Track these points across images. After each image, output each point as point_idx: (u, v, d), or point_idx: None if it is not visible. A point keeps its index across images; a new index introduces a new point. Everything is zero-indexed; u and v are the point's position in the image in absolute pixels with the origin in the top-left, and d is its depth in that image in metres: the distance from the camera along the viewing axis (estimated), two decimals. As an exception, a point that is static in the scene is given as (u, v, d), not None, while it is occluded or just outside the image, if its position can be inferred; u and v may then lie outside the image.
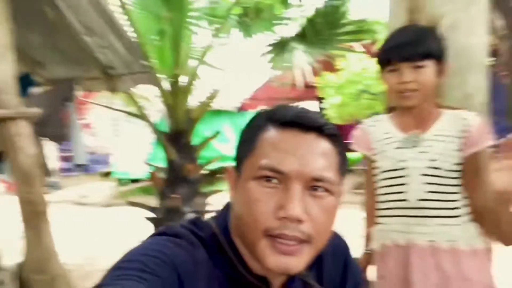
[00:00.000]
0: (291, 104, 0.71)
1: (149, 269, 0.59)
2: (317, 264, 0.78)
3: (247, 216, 0.65)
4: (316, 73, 4.04)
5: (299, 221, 0.61)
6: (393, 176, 1.24)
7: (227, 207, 0.74)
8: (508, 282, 1.39)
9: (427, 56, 1.17)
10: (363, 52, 3.79)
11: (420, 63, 1.17)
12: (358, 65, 4.31)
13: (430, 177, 1.19)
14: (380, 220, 1.29)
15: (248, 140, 0.69)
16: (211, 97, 2.99)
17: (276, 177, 0.63)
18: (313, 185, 0.64)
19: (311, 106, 10.35)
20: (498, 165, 1.02)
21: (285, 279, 0.72)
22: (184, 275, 0.62)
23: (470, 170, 1.18)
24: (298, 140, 0.65)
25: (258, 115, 0.71)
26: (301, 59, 3.10)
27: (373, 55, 4.52)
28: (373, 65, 4.26)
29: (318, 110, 9.64)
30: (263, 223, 0.63)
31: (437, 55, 1.19)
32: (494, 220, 1.11)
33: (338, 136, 0.68)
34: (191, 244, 0.66)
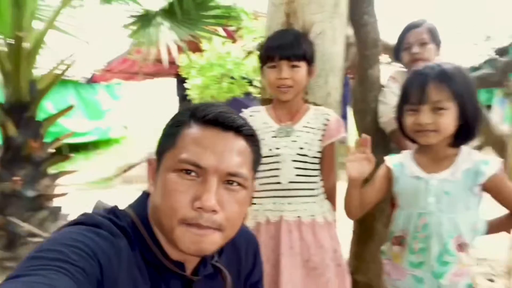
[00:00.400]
0: (213, 103, 0.77)
1: (69, 259, 0.58)
2: (232, 253, 0.86)
3: (165, 205, 0.69)
4: (180, 51, 3.97)
5: (213, 211, 0.67)
6: (268, 161, 1.38)
7: (144, 196, 0.78)
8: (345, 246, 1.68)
9: (302, 57, 1.34)
10: (227, 37, 3.89)
11: (296, 63, 1.33)
12: (222, 49, 4.40)
13: (298, 162, 1.37)
14: (256, 201, 1.42)
15: (171, 134, 0.73)
16: (63, 66, 2.65)
17: (195, 170, 0.69)
18: (228, 179, 0.70)
19: (169, 83, 10.15)
20: (352, 157, 1.23)
21: (198, 263, 0.78)
22: (106, 265, 0.62)
23: (327, 157, 1.42)
24: (217, 138, 0.71)
25: (182, 113, 0.76)
26: (166, 36, 3.00)
27: (235, 41, 4.69)
28: (235, 50, 4.41)
29: (176, 88, 9.52)
30: (180, 212, 0.67)
31: (310, 58, 1.37)
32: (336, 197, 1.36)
33: (255, 136, 0.76)
34: (112, 234, 0.67)
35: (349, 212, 1.35)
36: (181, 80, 9.03)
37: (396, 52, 1.79)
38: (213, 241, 0.69)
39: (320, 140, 1.40)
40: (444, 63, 1.19)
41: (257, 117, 1.45)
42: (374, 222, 1.81)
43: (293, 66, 1.34)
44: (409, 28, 1.72)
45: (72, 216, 2.76)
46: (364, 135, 1.25)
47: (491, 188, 1.19)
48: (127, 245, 0.68)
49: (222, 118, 0.71)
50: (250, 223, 1.42)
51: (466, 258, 1.23)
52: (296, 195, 1.38)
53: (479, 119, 1.19)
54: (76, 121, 8.19)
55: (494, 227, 1.26)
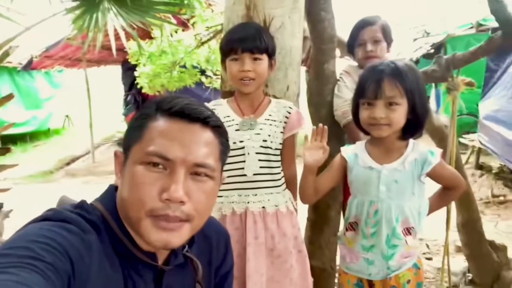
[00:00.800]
0: (180, 96, 0.78)
1: (38, 256, 0.57)
2: (203, 244, 0.88)
3: (133, 197, 0.69)
4: (128, 38, 3.82)
5: (181, 202, 0.68)
6: (233, 154, 1.39)
7: (112, 189, 0.78)
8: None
9: (265, 50, 1.36)
10: (178, 24, 3.81)
11: (258, 56, 1.36)
12: (173, 38, 4.29)
13: (262, 155, 1.40)
14: (221, 193, 1.43)
15: (138, 127, 0.74)
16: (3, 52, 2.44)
17: (162, 163, 0.70)
18: (196, 170, 0.72)
19: (115, 71, 9.70)
20: (309, 145, 1.31)
21: (169, 253, 0.79)
22: (77, 261, 0.62)
23: (287, 148, 1.47)
24: (184, 130, 0.72)
25: (148, 105, 0.76)
26: (114, 22, 2.87)
27: (187, 29, 4.60)
28: (187, 39, 4.33)
29: (122, 76, 9.13)
30: (148, 204, 0.68)
31: (271, 51, 1.39)
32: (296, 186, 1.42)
33: (222, 127, 0.78)
34: (82, 229, 0.67)
35: (303, 197, 1.42)
36: (127, 68, 8.70)
37: (350, 48, 1.86)
38: (181, 235, 0.71)
39: (282, 132, 1.44)
40: (397, 60, 1.27)
41: (220, 110, 1.45)
42: (328, 210, 1.90)
43: (255, 59, 1.36)
44: (363, 25, 1.78)
45: (16, 212, 2.59)
46: (320, 125, 1.31)
47: (435, 174, 1.31)
48: (97, 239, 0.68)
49: (188, 110, 0.72)
50: (215, 215, 1.43)
51: (412, 241, 1.35)
52: (260, 186, 1.41)
53: (427, 114, 1.29)
54: (11, 111, 7.59)
55: (433, 204, 1.39)
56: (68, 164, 7.33)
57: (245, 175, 1.40)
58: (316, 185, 1.37)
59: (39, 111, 9.01)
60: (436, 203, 1.41)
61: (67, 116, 10.88)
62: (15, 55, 6.56)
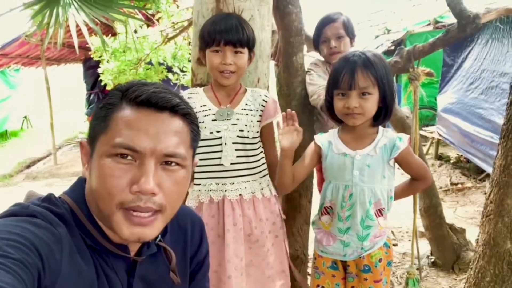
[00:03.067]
0: (146, 82, 0.73)
1: (5, 253, 0.55)
2: (177, 234, 0.87)
3: (102, 190, 0.67)
4: (91, 34, 3.71)
5: (153, 193, 0.67)
6: (210, 144, 1.40)
7: (81, 181, 0.75)
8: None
9: (246, 44, 1.37)
10: (144, 20, 3.74)
11: (240, 49, 1.37)
12: (138, 33, 4.21)
13: (239, 144, 1.42)
14: (198, 181, 1.45)
15: (103, 117, 0.70)
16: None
17: (131, 154, 0.67)
18: (166, 160, 0.70)
19: (76, 69, 9.36)
20: (282, 130, 1.35)
21: (141, 244, 0.78)
22: (47, 255, 0.60)
23: (267, 136, 1.50)
24: (151, 119, 0.69)
25: (113, 94, 0.72)
26: (77, 18, 2.79)
27: (152, 25, 4.52)
28: (153, 35, 4.26)
29: (84, 73, 8.83)
30: (118, 197, 0.66)
31: (252, 44, 1.41)
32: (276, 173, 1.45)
33: (191, 114, 0.75)
34: (50, 223, 0.65)
35: (281, 186, 1.46)
36: (89, 66, 8.43)
37: (315, 44, 1.92)
38: (153, 228, 0.69)
39: (258, 121, 1.46)
40: (367, 51, 1.33)
41: (196, 99, 1.46)
42: (300, 199, 1.95)
43: (237, 52, 1.37)
44: (326, 22, 1.84)
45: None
46: (288, 110, 1.36)
47: (402, 159, 1.38)
48: (67, 232, 0.66)
49: (155, 99, 0.69)
50: (192, 203, 1.45)
51: (383, 222, 1.42)
52: (238, 175, 1.43)
53: (394, 101, 1.37)
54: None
55: (399, 192, 1.47)
56: (28, 167, 7.00)
57: (222, 164, 1.41)
58: (294, 174, 1.41)
59: (-6, 112, 8.55)
60: (402, 191, 1.48)
61: (25, 117, 10.38)
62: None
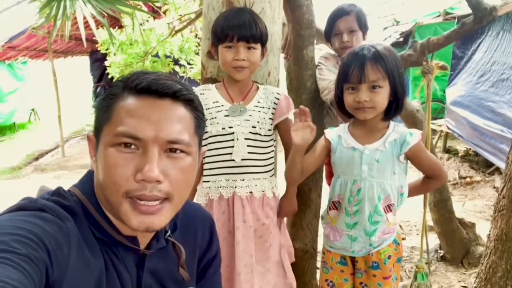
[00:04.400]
0: (147, 72, 0.73)
1: (12, 248, 0.54)
2: (187, 231, 0.87)
3: (107, 180, 0.67)
4: (98, 27, 3.70)
5: (158, 181, 0.66)
6: (222, 140, 1.40)
7: (90, 174, 0.75)
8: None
9: (259, 39, 1.36)
10: (151, 12, 3.72)
11: (253, 45, 1.35)
12: (145, 26, 4.19)
13: (251, 141, 1.41)
14: (208, 178, 1.44)
15: (105, 108, 0.71)
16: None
17: (134, 143, 0.67)
18: (170, 147, 0.69)
19: (83, 62, 9.38)
20: (295, 126, 1.33)
21: (151, 237, 0.78)
22: (54, 250, 0.60)
23: (285, 132, 1.48)
24: (153, 106, 0.69)
25: (115, 84, 0.72)
26: (84, 10, 2.78)
27: (158, 17, 4.50)
28: (160, 27, 4.24)
29: (90, 65, 8.85)
30: (123, 186, 0.66)
31: (264, 40, 1.39)
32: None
33: (195, 100, 0.74)
34: (59, 217, 0.64)
35: (290, 178, 1.45)
36: (96, 59, 8.44)
37: (327, 36, 1.89)
38: (162, 216, 0.69)
39: (270, 118, 1.46)
40: (377, 44, 1.31)
41: (208, 95, 1.45)
42: (310, 193, 1.94)
43: (250, 48, 1.36)
44: (339, 15, 1.81)
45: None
46: (301, 106, 1.34)
47: (413, 155, 1.36)
48: (75, 226, 0.66)
49: (155, 86, 0.68)
50: (202, 200, 1.44)
51: (392, 218, 1.41)
52: (248, 171, 1.42)
53: (405, 95, 1.35)
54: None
55: (412, 190, 1.45)
56: (36, 159, 7.06)
57: (233, 160, 1.40)
58: (303, 167, 1.40)
59: (2, 105, 8.59)
60: (414, 189, 1.46)
61: (33, 109, 10.45)
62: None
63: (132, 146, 0.67)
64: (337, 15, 1.82)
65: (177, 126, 0.69)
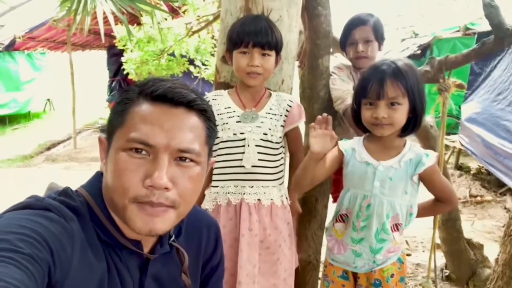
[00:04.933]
0: (164, 78, 0.74)
1: (16, 247, 0.54)
2: (191, 237, 0.86)
3: (116, 184, 0.68)
4: (116, 23, 3.74)
5: (166, 189, 0.67)
6: (232, 145, 1.39)
7: (98, 175, 0.76)
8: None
9: (274, 47, 1.36)
10: (170, 12, 3.75)
11: (268, 52, 1.36)
12: (163, 25, 4.22)
13: (262, 147, 1.41)
14: (217, 183, 1.44)
15: (120, 112, 0.71)
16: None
17: (145, 149, 0.68)
18: (180, 156, 0.70)
19: (100, 56, 9.49)
20: (313, 133, 1.32)
21: (155, 242, 0.78)
22: (58, 250, 0.60)
23: (293, 140, 1.50)
24: (167, 114, 0.69)
25: (131, 89, 0.73)
26: (104, 6, 2.81)
27: (176, 16, 4.53)
28: (177, 27, 4.27)
29: (107, 60, 8.94)
30: (131, 191, 0.67)
31: (279, 48, 1.39)
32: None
33: (208, 110, 0.75)
34: (64, 217, 0.65)
35: (299, 186, 1.44)
36: (113, 54, 8.53)
37: (342, 46, 1.86)
38: (165, 220, 0.69)
39: (282, 126, 1.45)
40: (398, 60, 1.29)
41: (220, 101, 1.45)
42: (316, 203, 1.92)
43: (264, 55, 1.36)
44: (356, 25, 1.77)
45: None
46: (324, 114, 1.33)
47: (426, 177, 1.33)
48: (80, 227, 0.66)
49: (171, 94, 0.69)
50: (209, 205, 1.44)
51: (399, 237, 1.38)
52: (257, 178, 1.41)
53: (425, 112, 1.31)
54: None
55: (421, 211, 1.42)
56: (48, 149, 7.16)
57: (243, 166, 1.39)
58: (313, 175, 1.38)
59: (19, 93, 8.74)
60: (423, 210, 1.42)
61: (48, 100, 10.61)
62: (-3, 35, 6.35)
63: (143, 152, 0.68)
64: (353, 24, 1.79)
65: (189, 135, 0.70)
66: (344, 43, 1.85)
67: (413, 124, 1.31)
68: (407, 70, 1.25)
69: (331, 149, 1.33)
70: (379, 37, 1.79)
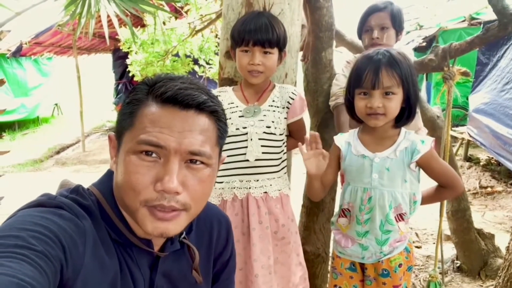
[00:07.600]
0: (173, 77, 0.72)
1: (29, 244, 0.55)
2: (202, 233, 0.87)
3: (127, 187, 0.67)
4: (120, 25, 3.77)
5: (176, 192, 0.66)
6: (236, 140, 1.40)
7: (109, 174, 0.75)
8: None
9: (276, 44, 1.36)
10: (173, 12, 3.77)
11: (269, 50, 1.36)
12: (166, 26, 4.24)
13: (265, 141, 1.41)
14: (222, 179, 1.44)
15: (129, 113, 0.70)
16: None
17: (155, 151, 0.67)
18: (191, 158, 0.69)
19: (105, 59, 9.56)
20: (307, 155, 1.30)
21: (165, 240, 0.78)
22: (70, 248, 0.60)
23: (295, 131, 1.50)
24: (177, 117, 0.68)
25: (139, 88, 0.71)
26: (108, 9, 2.83)
27: (179, 17, 4.55)
28: (180, 27, 4.28)
29: (113, 63, 9.01)
30: (142, 195, 0.66)
31: (282, 44, 1.39)
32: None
33: (219, 111, 0.73)
34: (76, 215, 0.65)
35: (313, 197, 1.44)
36: (118, 56, 8.60)
37: (358, 33, 1.80)
38: (177, 224, 0.69)
39: (285, 118, 1.45)
40: (391, 50, 1.27)
41: (224, 97, 1.46)
42: (324, 197, 1.92)
43: (266, 53, 1.36)
44: (372, 11, 1.71)
45: (7, 199, 2.57)
46: (311, 132, 1.32)
47: (424, 164, 1.32)
48: (92, 225, 0.67)
49: (181, 96, 0.67)
50: (215, 201, 1.44)
51: (404, 227, 1.37)
52: (262, 172, 1.42)
53: (418, 102, 1.30)
54: (-1, 98, 7.45)
55: (426, 198, 1.41)
56: (58, 152, 7.24)
57: (247, 160, 1.40)
58: (323, 181, 1.39)
59: (27, 99, 8.84)
60: (428, 197, 1.41)
61: (56, 104, 10.72)
62: (4, 42, 6.42)
63: (154, 155, 0.67)
64: (370, 11, 1.72)
65: (200, 138, 0.68)
66: (360, 30, 1.77)
67: (407, 114, 1.29)
68: (401, 60, 1.24)
69: (326, 165, 1.32)
70: (397, 25, 1.70)
